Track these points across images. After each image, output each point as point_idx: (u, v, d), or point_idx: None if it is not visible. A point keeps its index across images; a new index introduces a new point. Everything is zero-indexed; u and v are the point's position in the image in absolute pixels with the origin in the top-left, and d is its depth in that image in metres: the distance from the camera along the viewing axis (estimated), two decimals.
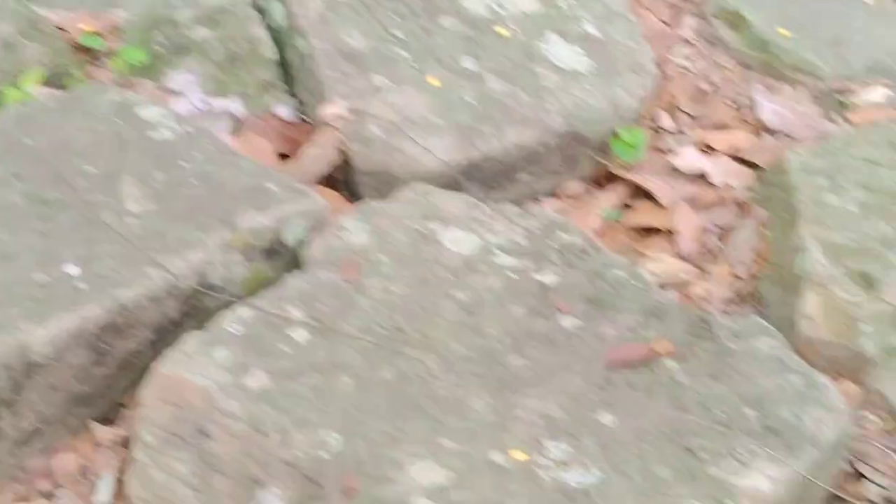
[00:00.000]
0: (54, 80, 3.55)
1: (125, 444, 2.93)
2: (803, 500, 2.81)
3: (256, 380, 2.70)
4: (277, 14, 3.77)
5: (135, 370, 2.94)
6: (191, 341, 2.77)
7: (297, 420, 2.63)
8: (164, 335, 2.95)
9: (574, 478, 2.61)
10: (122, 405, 2.99)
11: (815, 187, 3.57)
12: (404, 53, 3.73)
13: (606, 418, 2.75)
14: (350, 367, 2.77)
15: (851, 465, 3.10)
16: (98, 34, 3.71)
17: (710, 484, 2.63)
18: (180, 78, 3.66)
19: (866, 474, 3.10)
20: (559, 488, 2.58)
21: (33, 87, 3.44)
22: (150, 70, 3.66)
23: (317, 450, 2.59)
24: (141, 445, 2.75)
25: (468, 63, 3.79)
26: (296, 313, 2.88)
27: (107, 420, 2.96)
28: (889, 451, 3.16)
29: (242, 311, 2.87)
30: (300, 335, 2.83)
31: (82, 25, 3.74)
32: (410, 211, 3.24)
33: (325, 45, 3.66)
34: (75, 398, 2.86)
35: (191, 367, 2.71)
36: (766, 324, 3.09)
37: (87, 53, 3.72)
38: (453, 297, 3.00)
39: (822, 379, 2.95)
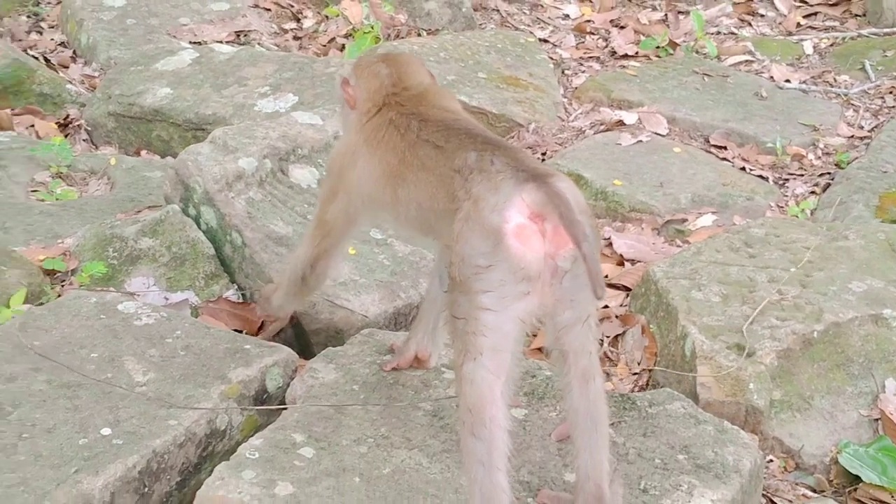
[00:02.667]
0: (31, 299, 4.09)
1: None
2: None
3: (283, 489, 3.25)
4: (209, 217, 4.40)
5: None
6: (222, 469, 3.31)
7: None
8: (188, 478, 3.49)
9: None
10: None
11: (681, 287, 4.31)
12: None
13: (570, 476, 3.36)
14: (355, 469, 3.34)
15: (769, 500, 3.76)
16: (58, 258, 4.27)
17: None
18: (137, 281, 4.25)
19: None
20: None
21: (19, 304, 3.98)
22: (111, 279, 4.24)
23: None
24: None
25: (375, 233, 4.48)
26: (298, 437, 3.45)
27: None
28: (795, 485, 3.84)
29: (256, 441, 3.42)
30: (307, 452, 3.39)
31: (40, 255, 4.31)
32: (365, 350, 3.87)
33: (256, 235, 4.30)
34: None
35: (228, 488, 3.24)
36: (675, 392, 3.79)
37: (52, 275, 4.28)
38: (420, 407, 3.61)
39: (729, 425, 3.64)
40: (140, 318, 3.90)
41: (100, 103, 5.91)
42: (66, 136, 5.63)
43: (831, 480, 3.86)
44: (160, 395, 3.54)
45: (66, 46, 6.92)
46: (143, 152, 5.70)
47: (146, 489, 3.36)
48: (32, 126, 5.86)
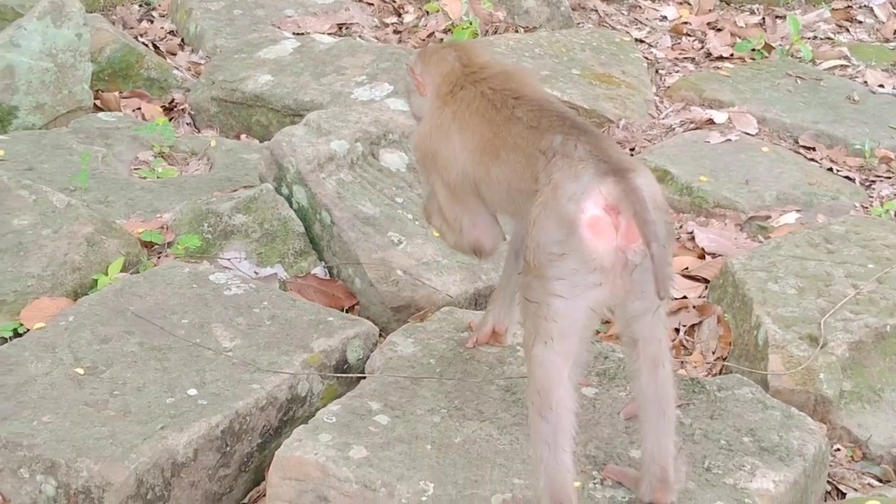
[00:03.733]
0: (129, 268, 4.29)
1: None
2: (803, 501, 3.54)
3: (357, 452, 3.39)
4: (300, 196, 4.57)
5: (249, 471, 3.63)
6: (300, 431, 3.46)
7: (396, 476, 3.32)
8: (268, 440, 3.65)
9: (620, 494, 3.33)
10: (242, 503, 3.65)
11: (758, 279, 4.39)
12: (408, 215, 4.55)
13: (636, 453, 3.47)
14: (427, 437, 3.48)
15: (834, 486, 3.83)
16: (156, 231, 4.47)
17: (728, 489, 3.36)
18: (229, 255, 4.43)
19: (846, 492, 3.83)
20: (610, 501, 3.29)
21: (117, 273, 4.18)
22: (204, 252, 4.42)
23: (418, 496, 3.27)
24: None
25: None
26: (375, 405, 3.60)
27: None
28: (861, 474, 3.91)
29: (333, 408, 3.58)
30: (382, 419, 3.54)
31: (139, 228, 4.51)
32: (443, 326, 4.00)
33: (345, 214, 4.46)
34: (209, 496, 3.52)
35: (305, 448, 3.39)
36: (744, 378, 3.88)
37: (149, 247, 4.48)
38: (494, 383, 3.74)
39: (796, 411, 3.73)
40: (230, 289, 4.08)
41: (204, 88, 6.12)
42: (170, 120, 5.83)
43: None
44: (245, 360, 3.71)
45: (174, 35, 7.15)
46: (243, 136, 5.89)
47: (228, 448, 3.53)
48: (139, 109, 6.09)
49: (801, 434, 3.59)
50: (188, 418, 3.46)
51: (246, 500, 3.66)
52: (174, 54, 6.91)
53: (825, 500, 3.73)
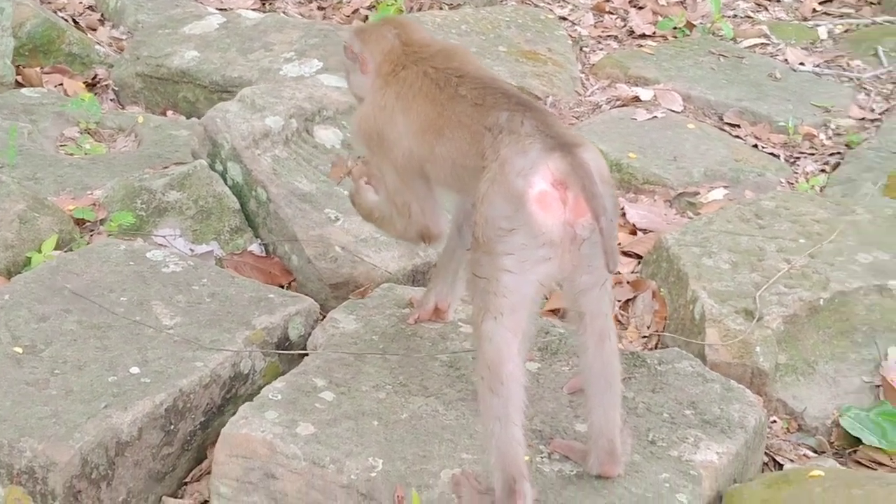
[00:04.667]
0: (62, 245, 4.23)
1: None
2: (743, 472, 3.58)
3: (304, 429, 3.38)
4: (235, 173, 4.53)
5: (192, 449, 3.59)
6: (245, 408, 3.44)
7: (345, 453, 3.31)
8: (211, 418, 3.62)
9: (568, 467, 3.35)
10: (185, 483, 3.61)
11: (693, 255, 4.43)
12: (344, 191, 4.53)
13: (581, 426, 3.49)
14: (374, 413, 3.47)
15: (771, 457, 3.88)
16: (88, 208, 4.41)
17: (673, 462, 3.39)
18: (164, 232, 4.38)
19: (783, 463, 3.88)
20: (558, 475, 3.31)
21: (51, 250, 4.12)
22: (138, 230, 4.37)
23: (367, 472, 3.26)
24: (217, 497, 3.39)
25: None
26: (320, 381, 3.58)
27: (174, 496, 3.58)
28: (797, 445, 3.96)
29: (278, 385, 3.55)
30: (327, 396, 3.52)
31: (70, 205, 4.45)
32: (384, 302, 3.99)
33: (281, 190, 4.43)
34: (152, 475, 3.49)
35: (251, 426, 3.37)
36: (683, 351, 3.91)
37: (81, 224, 4.42)
38: (437, 359, 3.74)
39: (736, 384, 3.77)
40: (168, 266, 4.03)
41: (128, 64, 6.04)
42: (94, 95, 5.74)
43: (832, 442, 3.97)
44: (187, 337, 3.67)
45: (93, 10, 7.04)
46: (170, 112, 5.83)
47: (172, 426, 3.49)
48: (61, 84, 5.99)
49: (741, 406, 3.63)
50: (132, 396, 3.42)
51: (188, 479, 3.63)
52: (94, 30, 6.81)
53: (762, 472, 3.77)
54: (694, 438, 3.48)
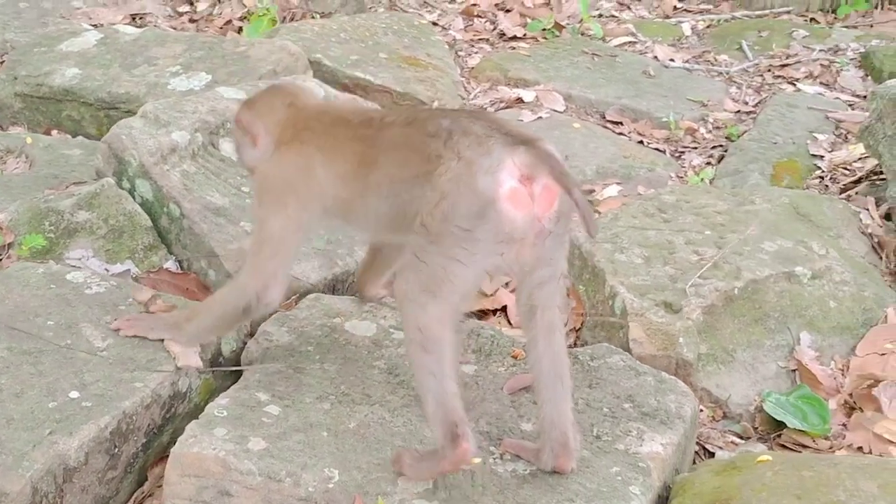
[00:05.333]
0: None
1: None
2: (682, 462, 3.66)
3: (255, 444, 3.35)
4: (144, 190, 4.46)
5: (134, 472, 3.54)
6: (193, 427, 3.39)
7: (300, 465, 3.29)
8: (152, 439, 3.57)
9: (521, 467, 3.38)
10: None
11: (605, 251, 4.50)
12: None
13: (526, 425, 3.52)
14: (322, 424, 3.45)
15: (701, 446, 3.96)
16: None
17: (621, 455, 3.44)
18: (76, 253, 4.29)
19: (713, 451, 3.96)
20: (512, 475, 3.33)
21: None
22: (48, 252, 4.27)
23: (324, 483, 3.25)
24: None
25: None
26: (263, 396, 3.55)
27: None
28: (724, 433, 4.05)
29: (222, 401, 3.51)
30: (273, 409, 3.49)
31: None
32: (314, 313, 3.98)
33: (194, 206, 4.38)
34: (97, 500, 3.42)
35: (202, 444, 3.33)
36: (613, 346, 3.98)
37: None
38: (375, 366, 3.73)
39: (667, 375, 3.84)
40: (90, 287, 3.95)
41: (4, 84, 5.90)
42: None
43: (756, 428, 4.07)
44: (122, 359, 3.61)
45: None
46: (54, 132, 5.70)
47: (116, 449, 3.43)
48: None
49: (676, 397, 3.71)
50: (75, 421, 3.36)
51: (131, 503, 3.56)
52: None
53: (694, 461, 3.85)
54: (637, 431, 3.54)
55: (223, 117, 4.74)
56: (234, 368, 3.77)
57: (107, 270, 4.27)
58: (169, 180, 4.42)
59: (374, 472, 3.29)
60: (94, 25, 6.61)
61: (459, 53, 7.07)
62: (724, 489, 3.31)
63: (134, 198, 4.48)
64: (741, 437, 4.03)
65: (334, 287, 4.34)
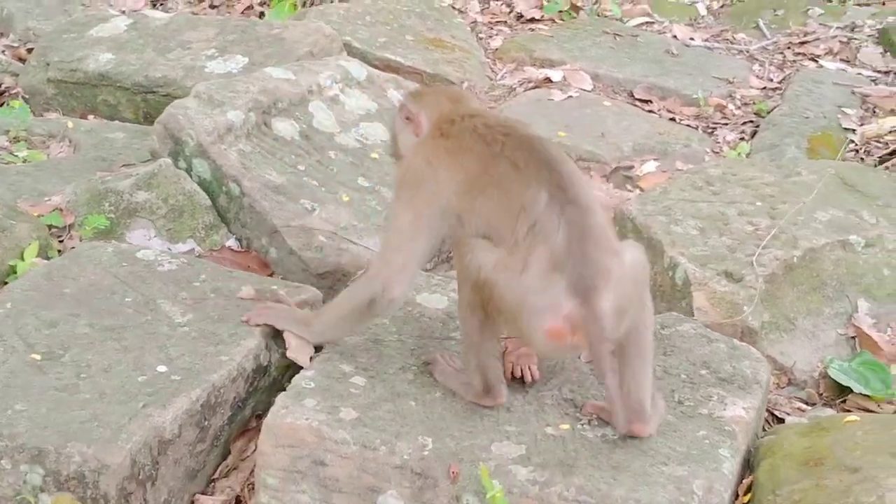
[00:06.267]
0: (40, 253, 4.11)
1: None
2: (758, 426, 3.69)
3: (347, 414, 3.36)
4: (202, 169, 4.47)
5: (220, 445, 3.54)
6: (283, 398, 3.40)
7: (393, 434, 3.30)
8: (236, 412, 3.58)
9: (610, 432, 3.40)
10: (213, 479, 3.56)
11: (661, 223, 4.52)
12: (314, 182, 4.50)
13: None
14: (408, 394, 3.47)
15: (769, 412, 4.00)
16: (54, 213, 4.29)
17: (706, 420, 3.47)
18: (138, 233, 4.30)
19: (782, 416, 3.99)
20: (603, 440, 3.36)
21: (33, 257, 4.01)
22: (110, 233, 4.27)
23: (419, 451, 3.27)
24: (264, 489, 3.35)
25: (363, 181, 4.61)
26: (347, 367, 3.56)
27: (204, 493, 3.52)
28: (791, 399, 4.09)
29: (308, 374, 3.52)
30: (359, 380, 3.51)
31: (33, 212, 4.33)
32: None
33: (254, 184, 4.38)
34: (188, 473, 3.43)
35: (295, 415, 3.34)
36: (682, 315, 4.00)
37: (50, 230, 4.30)
38: (451, 337, 3.75)
39: (739, 342, 3.87)
40: (162, 265, 3.96)
41: (36, 71, 5.89)
42: (23, 102, 5.57)
43: (821, 394, 4.10)
44: (204, 333, 3.61)
45: None
46: (90, 117, 5.69)
47: (206, 422, 3.45)
48: None
49: (750, 363, 3.73)
50: (167, 394, 3.36)
51: (216, 475, 3.57)
52: None
53: (763, 427, 3.88)
54: (718, 396, 3.56)
55: (274, 97, 4.76)
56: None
57: (169, 249, 4.27)
58: (227, 159, 4.43)
59: (467, 439, 3.30)
60: (121, 12, 6.58)
61: (480, 36, 7.08)
62: (816, 449, 3.34)
63: (191, 177, 4.48)
64: (807, 403, 4.06)
65: None
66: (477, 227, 3.30)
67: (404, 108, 3.57)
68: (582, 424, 3.42)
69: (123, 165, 4.74)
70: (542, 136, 3.49)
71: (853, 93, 6.33)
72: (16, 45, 6.48)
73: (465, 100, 3.60)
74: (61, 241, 4.27)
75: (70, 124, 5.29)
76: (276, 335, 3.72)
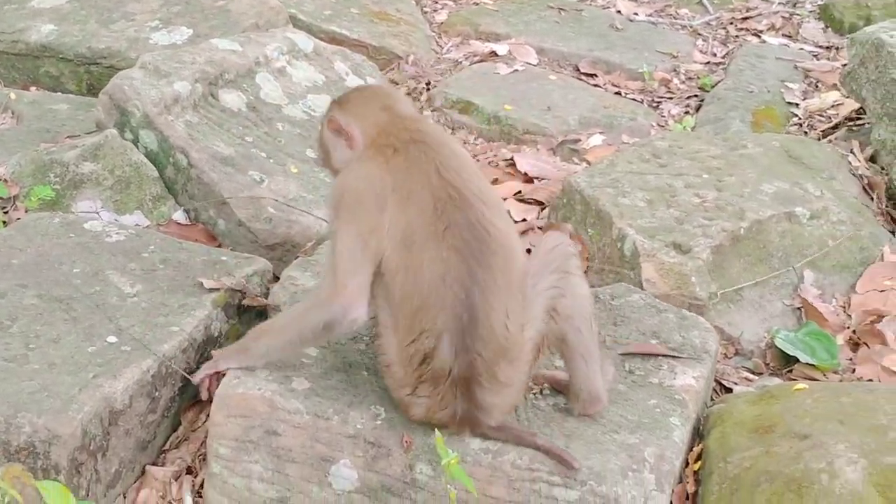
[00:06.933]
0: None
1: (177, 478, 3.48)
2: (707, 395, 3.72)
3: (299, 384, 3.35)
4: (149, 140, 4.43)
5: (170, 416, 3.52)
6: (235, 370, 3.38)
7: (346, 403, 3.29)
8: (187, 383, 3.54)
9: (562, 401, 3.41)
10: (164, 451, 3.54)
11: (609, 195, 4.54)
12: (262, 153, 4.48)
13: (559, 363, 3.56)
14: (360, 364, 3.47)
15: (717, 381, 4.02)
16: (0, 184, 4.25)
17: (656, 388, 3.49)
18: (84, 205, 4.26)
19: (729, 386, 4.02)
20: (555, 408, 3.37)
21: None
22: (56, 204, 4.23)
23: (372, 420, 3.26)
24: (216, 459, 3.33)
25: (311, 153, 4.59)
26: None
27: (154, 464, 3.50)
28: (738, 368, 4.12)
29: None
30: (310, 351, 3.49)
31: None
32: None
33: (202, 155, 4.35)
34: (140, 444, 3.41)
35: (247, 385, 3.33)
36: (631, 286, 4.02)
37: None
38: None
39: (687, 312, 3.89)
40: (110, 236, 3.93)
41: None
42: None
43: (767, 364, 4.14)
44: (154, 304, 3.59)
45: None
46: (32, 88, 5.62)
47: (157, 393, 3.43)
48: None
49: (699, 333, 3.76)
50: (117, 365, 3.34)
51: (167, 447, 3.55)
52: None
53: (712, 397, 3.91)
54: (668, 366, 3.59)
55: (221, 68, 4.72)
56: (263, 302, 3.75)
57: (116, 221, 4.23)
58: (174, 130, 4.39)
59: None
60: None
61: (425, 10, 7.07)
62: (766, 416, 3.37)
63: (138, 149, 4.45)
64: (753, 373, 4.09)
65: None
66: (393, 290, 3.16)
67: (333, 121, 3.33)
68: (534, 394, 3.43)
69: (68, 137, 4.69)
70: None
71: (796, 67, 6.38)
72: None
73: (396, 103, 3.36)
74: (6, 213, 4.22)
75: (13, 95, 5.23)
76: (226, 306, 3.70)
